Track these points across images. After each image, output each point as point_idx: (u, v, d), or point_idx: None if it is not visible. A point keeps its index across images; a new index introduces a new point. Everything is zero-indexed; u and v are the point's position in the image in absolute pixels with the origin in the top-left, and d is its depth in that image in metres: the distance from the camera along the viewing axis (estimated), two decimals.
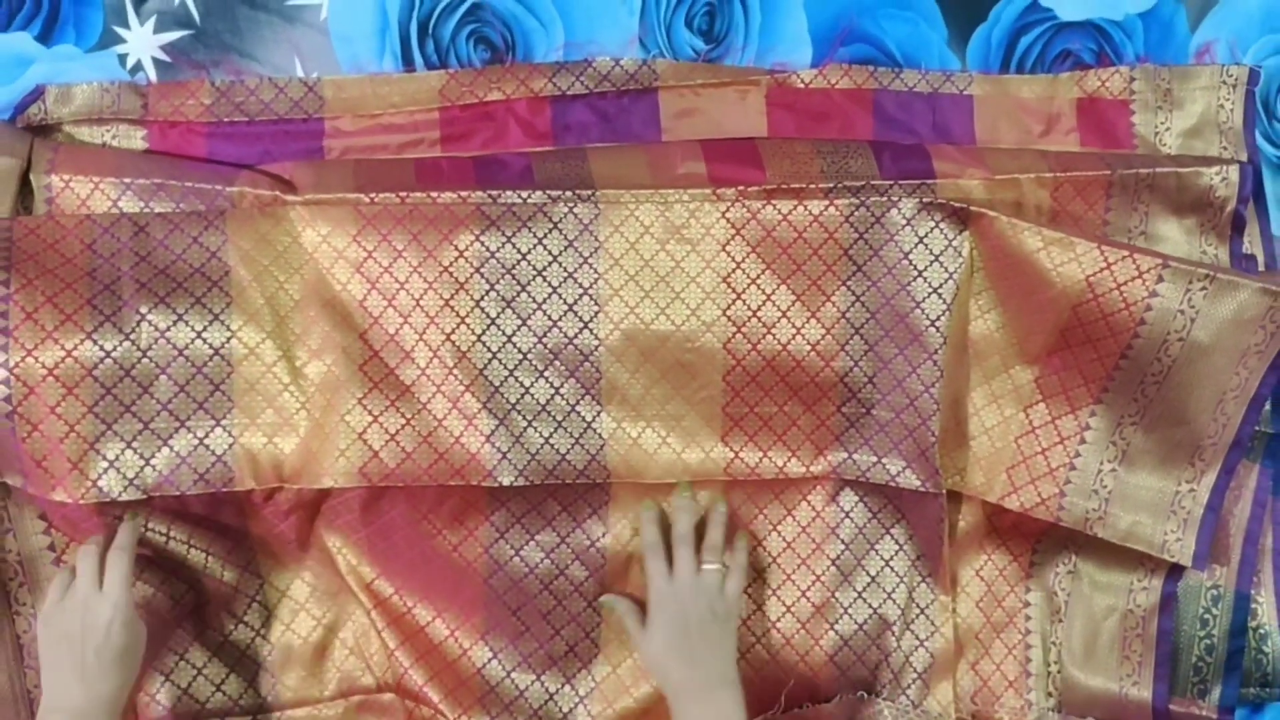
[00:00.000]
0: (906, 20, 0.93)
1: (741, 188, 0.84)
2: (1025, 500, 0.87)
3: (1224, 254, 0.90)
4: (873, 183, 0.85)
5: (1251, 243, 0.93)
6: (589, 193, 0.84)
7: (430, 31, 0.90)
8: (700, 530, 0.86)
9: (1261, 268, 0.93)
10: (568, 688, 0.88)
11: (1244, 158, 0.93)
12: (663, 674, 0.82)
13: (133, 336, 0.80)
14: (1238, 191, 0.89)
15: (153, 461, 0.82)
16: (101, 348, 0.80)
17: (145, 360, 0.81)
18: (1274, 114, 0.96)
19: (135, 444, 0.82)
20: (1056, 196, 0.87)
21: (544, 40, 0.91)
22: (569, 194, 0.83)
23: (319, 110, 0.89)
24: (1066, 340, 0.85)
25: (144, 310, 0.80)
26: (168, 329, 0.81)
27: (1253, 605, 0.91)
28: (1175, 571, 0.88)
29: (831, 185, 0.84)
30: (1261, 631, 0.91)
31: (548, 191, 0.83)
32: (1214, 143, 0.94)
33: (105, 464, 0.81)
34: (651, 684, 0.88)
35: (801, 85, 0.91)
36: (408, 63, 0.90)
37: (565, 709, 0.89)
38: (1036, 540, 0.90)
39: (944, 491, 0.85)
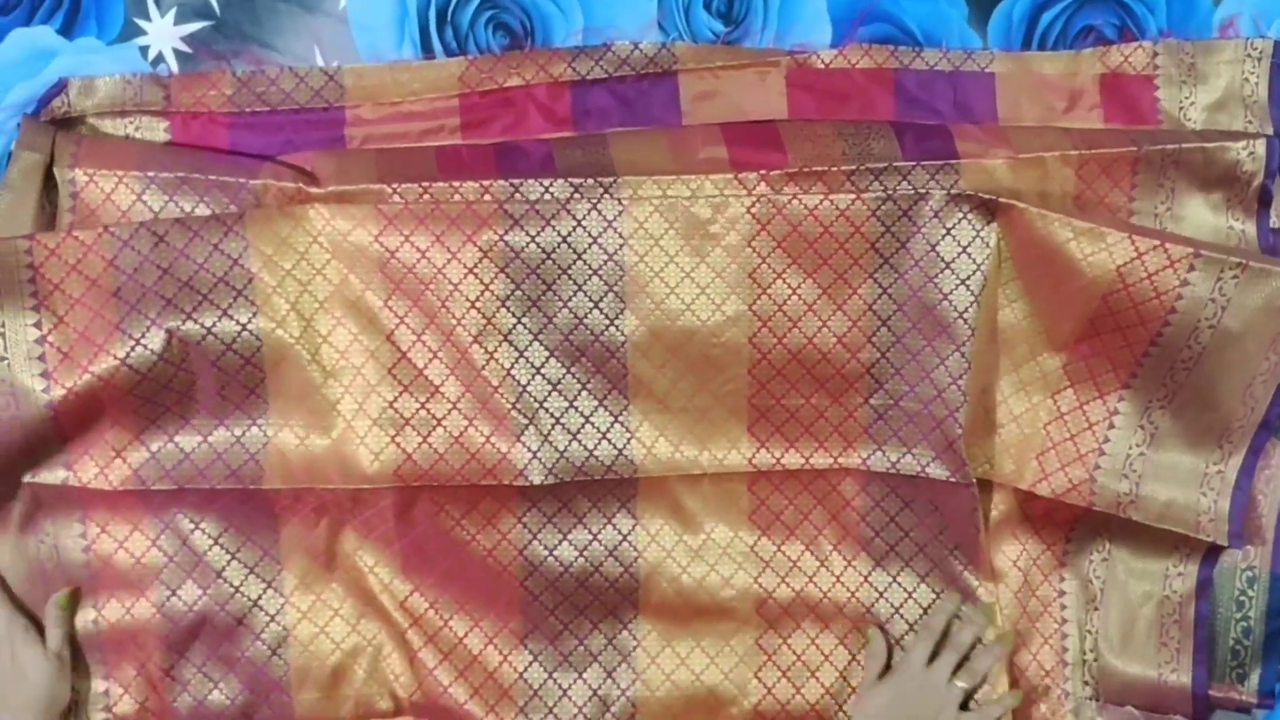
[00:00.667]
0: None
1: (764, 171, 0.84)
2: (1056, 485, 0.87)
3: (1251, 229, 0.89)
4: (895, 164, 0.84)
5: (1279, 216, 0.92)
6: (611, 180, 0.83)
7: (449, 18, 0.90)
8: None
9: None
10: (609, 681, 0.89)
11: (1269, 131, 0.91)
12: None
13: (166, 355, 0.81)
14: (1264, 166, 0.87)
15: (191, 456, 0.84)
16: (136, 371, 0.81)
17: (181, 373, 0.82)
18: None
19: (178, 438, 0.84)
20: (1082, 174, 0.86)
21: (563, 25, 0.91)
22: (591, 181, 0.83)
23: (340, 99, 0.89)
24: (1096, 328, 0.84)
25: (173, 327, 0.81)
26: (199, 342, 0.82)
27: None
28: (1211, 555, 0.88)
29: (854, 168, 0.84)
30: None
31: (570, 179, 0.83)
32: (1239, 117, 0.92)
33: (148, 454, 0.83)
34: (693, 671, 0.89)
35: (822, 66, 0.91)
36: (427, 50, 0.90)
37: (610, 703, 0.89)
38: (1070, 528, 0.90)
39: (974, 482, 0.85)
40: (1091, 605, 0.90)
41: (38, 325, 0.80)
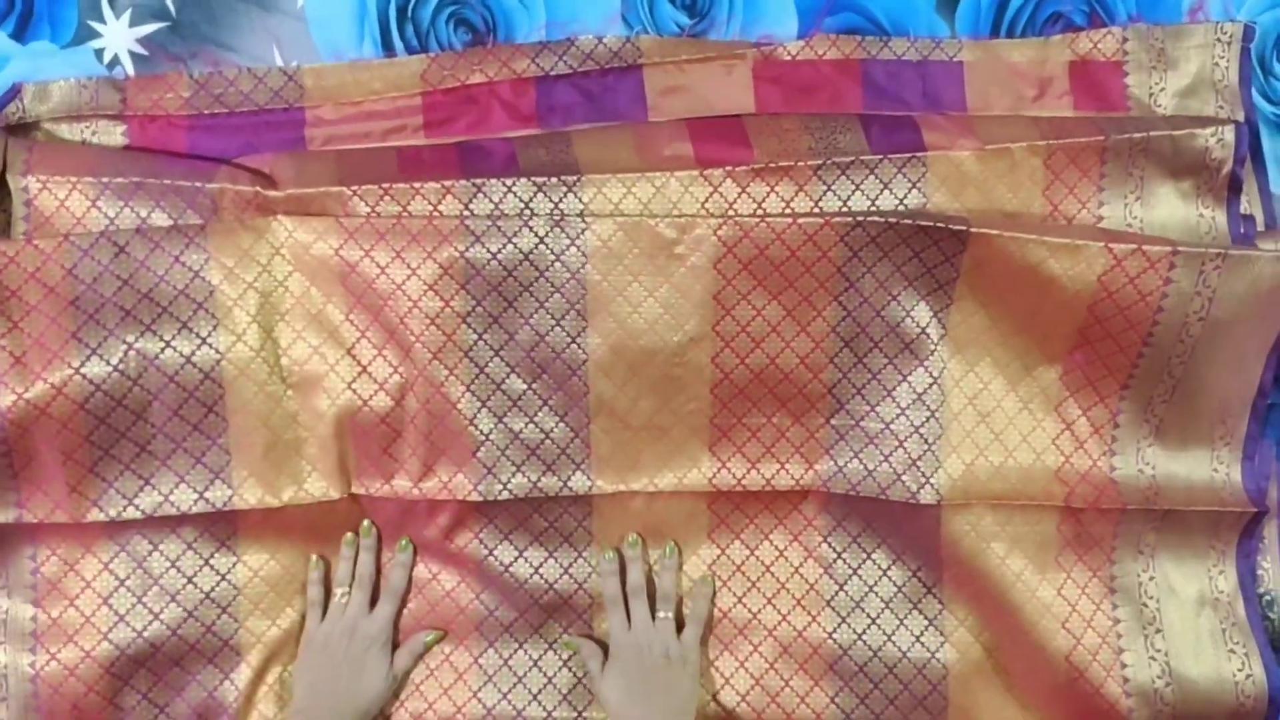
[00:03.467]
0: None
1: (729, 167, 0.83)
2: (1084, 495, 0.86)
3: (1221, 217, 0.88)
4: (861, 158, 0.84)
5: (1250, 201, 0.91)
6: (574, 178, 0.83)
7: (409, 15, 0.89)
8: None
9: (1261, 227, 0.92)
10: (565, 704, 0.88)
11: (1240, 116, 0.91)
12: (618, 718, 0.83)
13: (121, 367, 0.80)
14: (1234, 152, 0.87)
15: (152, 481, 0.83)
16: (91, 381, 0.80)
17: (136, 389, 0.81)
18: (1270, 71, 0.94)
19: (134, 465, 0.82)
20: (1049, 164, 0.86)
21: (525, 20, 0.90)
22: (555, 180, 0.82)
23: (299, 99, 0.88)
24: (1086, 337, 0.84)
25: (130, 339, 0.80)
26: (156, 356, 0.81)
27: (1259, 571, 0.90)
28: (1243, 545, 0.88)
29: (820, 162, 0.83)
30: (1268, 597, 0.90)
31: (533, 178, 0.82)
32: (1210, 102, 0.92)
33: (104, 484, 0.82)
34: None
35: (788, 58, 0.90)
36: (388, 48, 0.89)
37: None
38: (1111, 550, 0.88)
39: (937, 503, 0.84)
40: (1153, 628, 0.88)
41: None
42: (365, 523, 0.86)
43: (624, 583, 0.87)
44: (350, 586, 0.86)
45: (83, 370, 0.80)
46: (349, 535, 0.86)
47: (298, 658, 0.85)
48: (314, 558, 0.86)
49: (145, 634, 0.84)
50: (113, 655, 0.84)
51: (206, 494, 0.83)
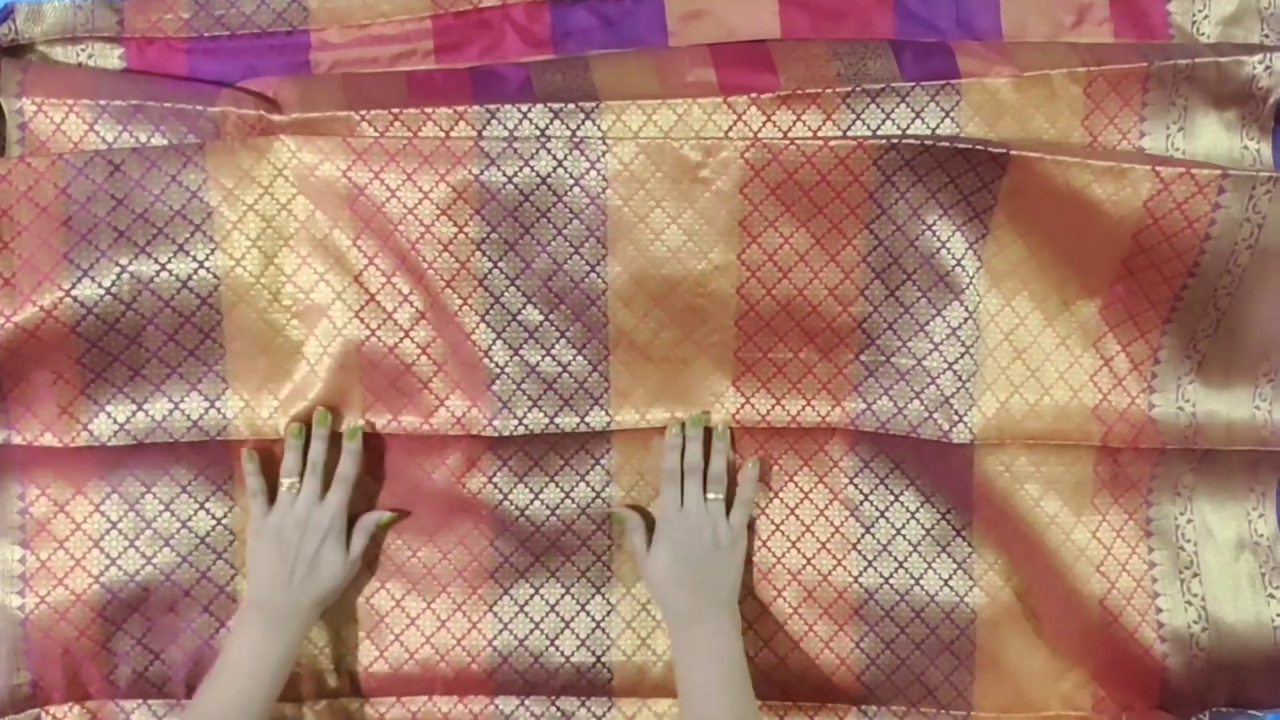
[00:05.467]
0: None
1: (754, 94, 0.80)
2: (1122, 433, 0.84)
3: (1266, 149, 0.85)
4: (893, 85, 0.80)
5: None
6: (592, 105, 0.79)
7: None
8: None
9: None
10: (583, 649, 0.86)
11: None
12: (663, 598, 0.82)
13: (114, 290, 0.78)
14: None
15: (145, 406, 0.81)
16: (82, 304, 0.77)
17: (130, 313, 0.79)
18: None
19: (127, 389, 0.80)
20: (1090, 93, 0.82)
21: None
22: (572, 106, 0.79)
23: (304, 22, 0.85)
24: (1129, 268, 0.81)
25: (124, 262, 0.78)
26: (151, 280, 0.78)
27: None
28: None
29: (849, 89, 0.80)
30: None
31: (549, 104, 0.79)
32: (1254, 30, 0.88)
33: (96, 408, 0.80)
34: (666, 635, 0.86)
35: None
36: None
37: (585, 670, 0.87)
38: (1148, 491, 0.86)
39: (970, 441, 0.82)
40: (1190, 573, 0.86)
41: None
42: (320, 409, 0.82)
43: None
44: (299, 477, 0.82)
45: (73, 292, 0.77)
46: (294, 425, 0.82)
47: (247, 548, 0.82)
48: (247, 450, 0.82)
49: (138, 578, 0.82)
50: (104, 599, 0.82)
51: (201, 421, 0.81)
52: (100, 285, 0.78)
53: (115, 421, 0.80)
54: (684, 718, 0.79)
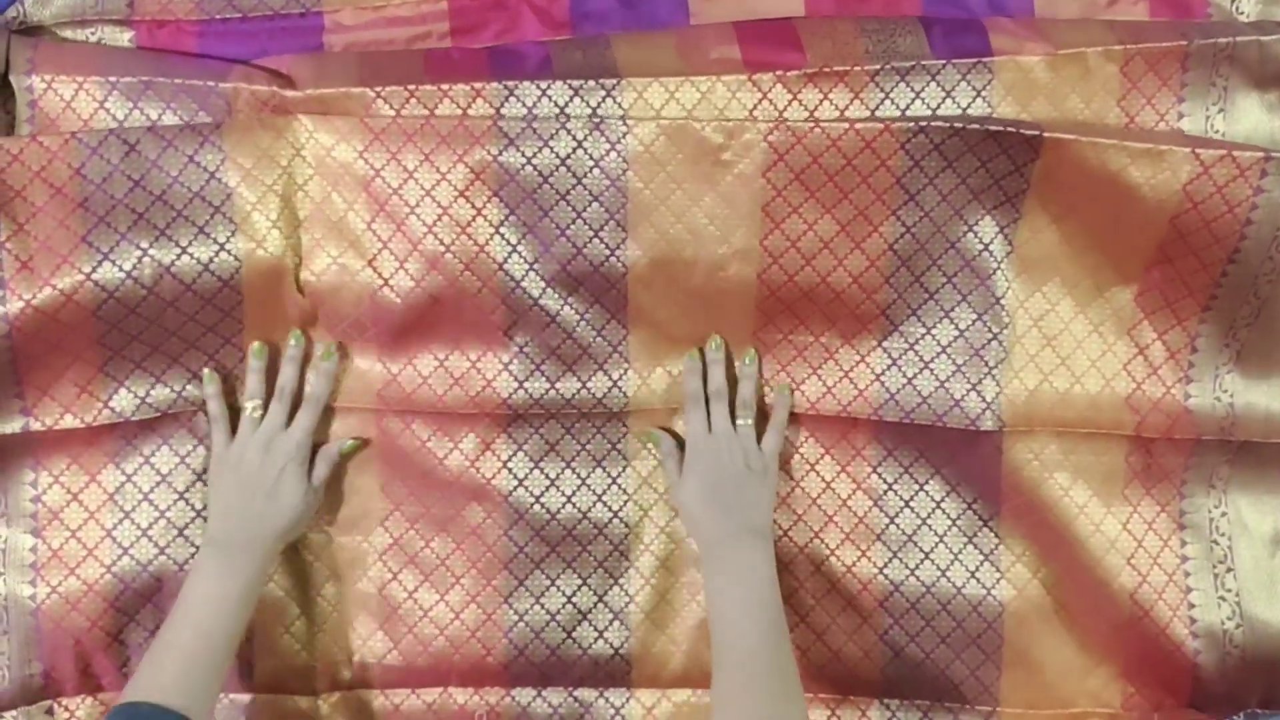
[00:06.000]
0: None
1: (780, 72, 0.78)
2: (1157, 424, 0.82)
3: None
4: (923, 63, 0.78)
5: None
6: (613, 82, 0.78)
7: None
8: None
9: None
10: (601, 641, 0.85)
11: None
12: (694, 523, 0.81)
13: (135, 274, 0.77)
14: None
15: (164, 378, 0.80)
16: (103, 288, 0.76)
17: (151, 297, 0.78)
18: None
19: (145, 363, 0.79)
20: (1126, 72, 0.80)
21: None
22: (592, 83, 0.77)
23: (317, 3, 0.83)
24: (1166, 254, 0.79)
25: (144, 245, 0.77)
26: (172, 264, 0.77)
27: None
28: None
29: (878, 67, 0.78)
30: None
31: (569, 81, 0.77)
32: None
33: (114, 384, 0.79)
34: (686, 624, 0.85)
35: None
36: None
37: (602, 662, 0.85)
38: (1181, 483, 0.84)
39: (999, 428, 0.80)
40: (1223, 567, 0.84)
41: None
42: (295, 330, 0.80)
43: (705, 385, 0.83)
44: (262, 400, 0.80)
45: (94, 276, 0.76)
46: (256, 345, 0.80)
47: (209, 480, 0.79)
48: (207, 371, 0.80)
49: (150, 568, 0.81)
50: (116, 589, 0.81)
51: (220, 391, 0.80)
52: (121, 269, 0.76)
53: (136, 396, 0.80)
54: (712, 642, 0.76)
